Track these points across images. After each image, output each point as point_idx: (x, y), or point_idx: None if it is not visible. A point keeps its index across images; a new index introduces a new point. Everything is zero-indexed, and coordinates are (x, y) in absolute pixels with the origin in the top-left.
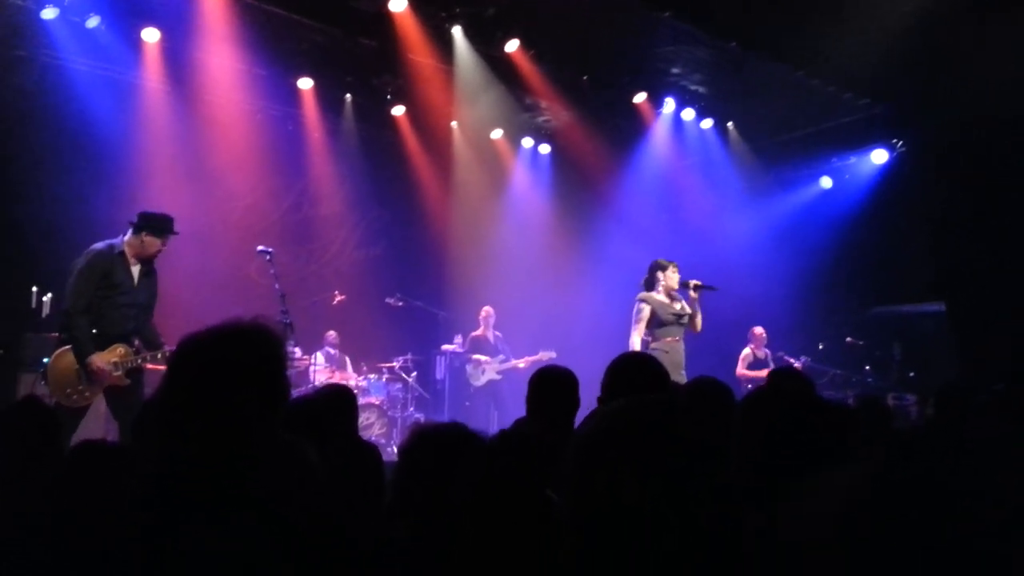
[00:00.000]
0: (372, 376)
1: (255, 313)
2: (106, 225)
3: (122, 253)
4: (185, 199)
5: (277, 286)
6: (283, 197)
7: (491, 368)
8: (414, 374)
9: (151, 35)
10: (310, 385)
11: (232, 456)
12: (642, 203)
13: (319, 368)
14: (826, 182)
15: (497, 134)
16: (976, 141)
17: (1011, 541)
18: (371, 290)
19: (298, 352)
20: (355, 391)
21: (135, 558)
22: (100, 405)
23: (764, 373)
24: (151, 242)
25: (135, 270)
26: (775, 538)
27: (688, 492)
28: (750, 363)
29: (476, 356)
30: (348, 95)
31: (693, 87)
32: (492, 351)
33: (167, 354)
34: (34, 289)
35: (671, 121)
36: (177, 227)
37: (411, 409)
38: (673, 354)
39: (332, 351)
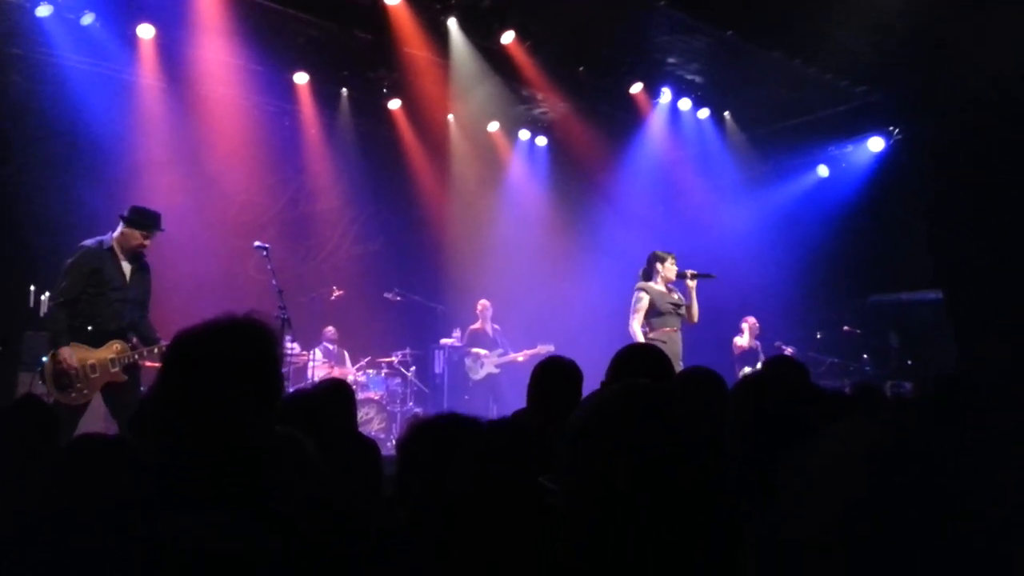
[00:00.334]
0: (371, 371)
1: (250, 309)
2: (103, 222)
3: (111, 249)
4: (182, 196)
5: (274, 282)
6: (280, 193)
7: (490, 362)
8: (413, 368)
9: (146, 31)
10: (309, 381)
11: (229, 451)
12: (639, 194)
13: (318, 364)
14: (823, 170)
15: (494, 126)
16: (973, 128)
17: (1011, 541)
18: (369, 285)
19: (296, 348)
20: (354, 386)
21: (134, 555)
22: (99, 403)
23: (748, 370)
24: (131, 234)
25: (125, 266)
26: (768, 526)
27: (681, 479)
28: (740, 353)
29: (475, 350)
30: (344, 89)
31: (690, 76)
32: (491, 344)
33: (163, 349)
34: (32, 288)
35: (668, 111)
36: (173, 224)
37: (410, 404)
38: (671, 344)
39: (331, 347)
